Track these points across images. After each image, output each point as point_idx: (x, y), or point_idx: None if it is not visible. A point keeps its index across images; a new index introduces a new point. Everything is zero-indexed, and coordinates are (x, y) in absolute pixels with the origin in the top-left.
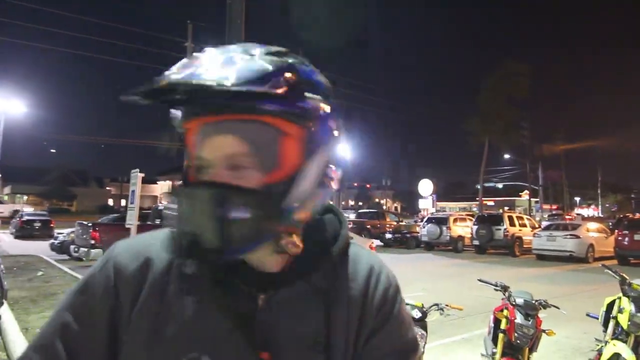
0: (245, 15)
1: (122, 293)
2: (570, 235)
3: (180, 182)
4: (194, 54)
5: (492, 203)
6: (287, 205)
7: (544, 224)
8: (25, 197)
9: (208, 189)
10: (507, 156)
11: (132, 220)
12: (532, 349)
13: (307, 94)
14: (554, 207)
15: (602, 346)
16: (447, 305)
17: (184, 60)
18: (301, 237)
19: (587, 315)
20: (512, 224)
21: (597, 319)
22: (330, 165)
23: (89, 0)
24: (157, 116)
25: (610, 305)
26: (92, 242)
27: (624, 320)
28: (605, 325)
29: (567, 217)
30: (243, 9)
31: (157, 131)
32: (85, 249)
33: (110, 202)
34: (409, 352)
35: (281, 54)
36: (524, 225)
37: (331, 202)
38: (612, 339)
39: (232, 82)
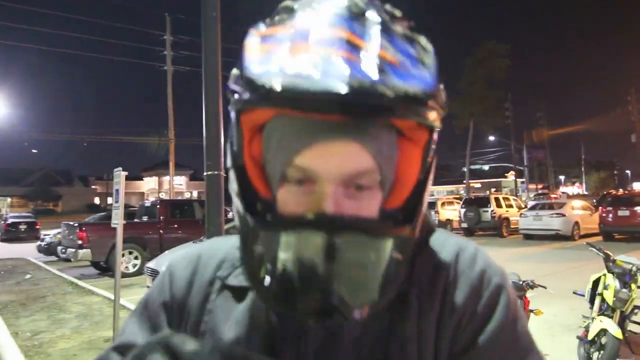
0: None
1: (175, 294)
2: (556, 214)
3: (238, 199)
4: (300, 9)
5: (479, 185)
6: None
7: (530, 203)
8: (8, 199)
9: (333, 234)
10: (491, 138)
11: (117, 219)
12: None
13: (441, 86)
14: (540, 186)
15: (589, 322)
16: None
17: (301, 26)
18: None
19: (574, 293)
20: (498, 205)
21: (584, 296)
22: None
23: None
24: (139, 112)
25: (596, 282)
26: (80, 242)
27: (609, 297)
28: (592, 302)
29: (552, 196)
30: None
31: (139, 127)
32: (73, 250)
33: (97, 200)
34: None
35: (411, 28)
36: (511, 206)
37: None
38: (598, 315)
39: (389, 86)
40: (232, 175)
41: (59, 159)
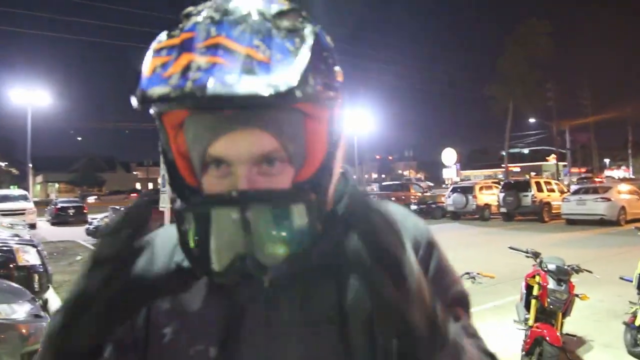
0: None
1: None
2: (601, 198)
3: (172, 187)
4: (194, 17)
5: (518, 169)
6: (330, 197)
7: (573, 187)
8: (56, 185)
9: (245, 206)
10: (532, 120)
11: (165, 203)
12: (566, 313)
13: (336, 68)
14: (583, 170)
15: (637, 308)
16: (478, 274)
17: (186, 36)
18: None
19: (621, 278)
20: (539, 189)
21: (631, 281)
22: None
23: None
24: None
25: None
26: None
27: None
28: (639, 287)
29: (596, 180)
30: None
31: None
32: None
33: (138, 185)
34: (464, 302)
35: (297, 14)
36: (552, 190)
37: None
38: None
39: (265, 91)
40: (164, 168)
41: (102, 146)
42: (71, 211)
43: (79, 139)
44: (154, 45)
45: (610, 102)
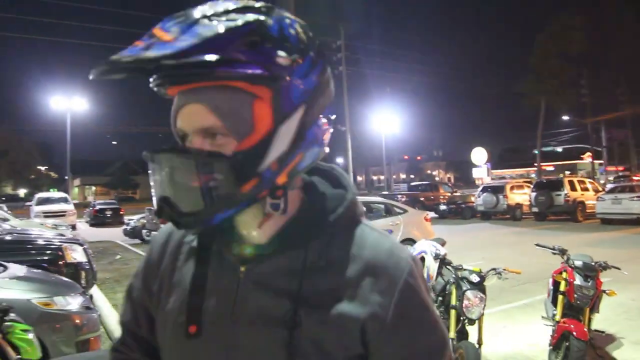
0: None
1: (152, 264)
2: (637, 197)
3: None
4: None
5: (551, 168)
6: (264, 168)
7: (609, 186)
8: (93, 188)
9: (178, 155)
10: (565, 117)
11: None
12: (593, 309)
13: (276, 52)
14: (620, 168)
15: None
16: (505, 270)
17: (148, 33)
18: (298, 203)
19: None
20: (573, 188)
21: None
22: (320, 122)
23: None
24: None
25: None
26: (162, 226)
27: None
28: None
29: (634, 178)
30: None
31: None
32: (156, 233)
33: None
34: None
35: (244, 10)
36: (586, 189)
37: (341, 170)
38: None
39: (171, 54)
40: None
41: (134, 149)
42: (108, 213)
43: (114, 143)
44: None
45: None
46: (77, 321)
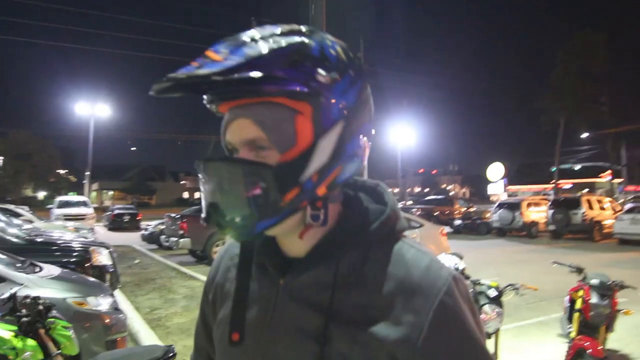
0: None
1: (210, 278)
2: None
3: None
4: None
5: (569, 185)
6: (304, 179)
7: (627, 206)
8: (110, 192)
9: (227, 163)
10: (584, 135)
11: None
12: (609, 328)
13: (316, 70)
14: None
15: None
16: (522, 285)
17: (202, 55)
18: (337, 216)
19: None
20: (590, 207)
21: None
22: (360, 137)
23: (163, 6)
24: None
25: None
26: (181, 232)
27: None
28: None
29: None
30: (324, 21)
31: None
32: (175, 239)
33: (186, 194)
34: None
35: (288, 33)
36: (604, 209)
37: (385, 187)
38: None
39: (219, 71)
40: None
41: (152, 155)
42: (126, 218)
43: (133, 148)
44: None
45: None
46: (107, 321)
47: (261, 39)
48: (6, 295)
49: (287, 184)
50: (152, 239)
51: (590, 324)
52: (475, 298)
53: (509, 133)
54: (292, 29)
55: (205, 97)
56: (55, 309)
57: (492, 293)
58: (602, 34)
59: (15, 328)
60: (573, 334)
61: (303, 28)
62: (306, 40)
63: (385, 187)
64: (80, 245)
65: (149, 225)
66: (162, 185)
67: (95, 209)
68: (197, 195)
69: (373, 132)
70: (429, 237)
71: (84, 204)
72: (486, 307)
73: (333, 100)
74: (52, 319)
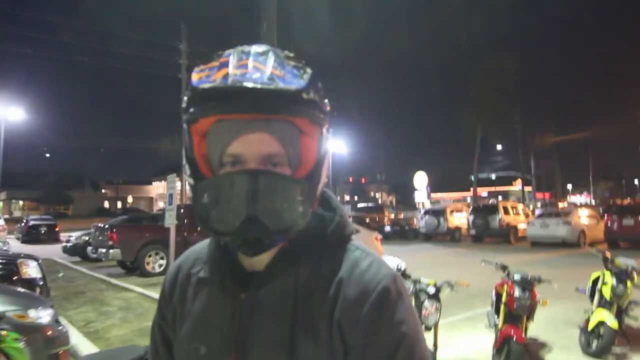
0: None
1: (166, 296)
2: (563, 222)
3: (192, 180)
4: (226, 53)
5: (485, 194)
6: (317, 195)
7: (537, 212)
8: (20, 202)
9: (276, 177)
10: (499, 147)
11: (170, 220)
12: (529, 317)
13: (324, 100)
14: (547, 195)
15: (589, 315)
16: (456, 282)
17: (224, 60)
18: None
19: (576, 289)
20: (506, 213)
21: (585, 292)
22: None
23: (81, 5)
24: (151, 120)
25: (596, 281)
26: (111, 243)
27: (607, 292)
28: (592, 296)
29: (559, 205)
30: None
31: (149, 134)
32: (104, 250)
33: (106, 204)
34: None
35: (301, 61)
36: (518, 214)
37: (330, 192)
38: (597, 307)
39: (296, 89)
40: (186, 165)
41: (69, 163)
42: (43, 229)
43: (47, 155)
44: (196, 69)
45: (573, 130)
46: (49, 334)
47: (288, 59)
48: None
49: (313, 196)
50: (75, 250)
51: (514, 314)
52: (416, 295)
53: (431, 145)
54: (297, 56)
55: (211, 103)
56: None
57: (431, 290)
58: (513, 58)
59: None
60: (500, 324)
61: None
62: (310, 69)
63: (330, 193)
64: (7, 258)
65: (70, 237)
66: (79, 194)
67: (6, 220)
68: (119, 204)
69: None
70: (365, 242)
71: None
72: (426, 303)
73: (329, 127)
74: (2, 331)
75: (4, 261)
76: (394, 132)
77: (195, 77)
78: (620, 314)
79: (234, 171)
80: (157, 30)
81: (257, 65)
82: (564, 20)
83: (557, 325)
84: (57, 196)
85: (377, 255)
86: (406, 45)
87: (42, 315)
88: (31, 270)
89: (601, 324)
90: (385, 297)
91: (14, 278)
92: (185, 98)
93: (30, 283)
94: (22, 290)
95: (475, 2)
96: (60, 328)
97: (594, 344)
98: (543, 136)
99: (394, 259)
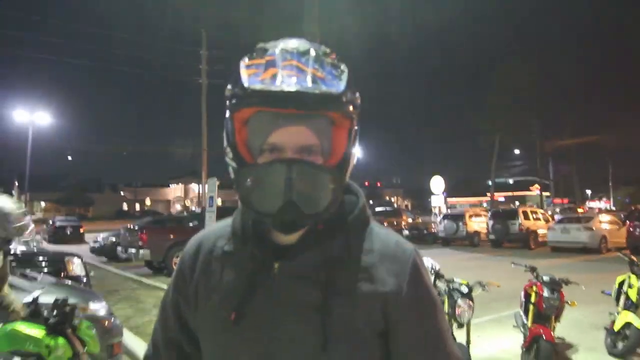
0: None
1: (185, 272)
2: (584, 227)
3: (235, 163)
4: (270, 50)
5: (502, 198)
6: (345, 182)
7: (557, 217)
8: (42, 204)
9: (311, 166)
10: (517, 151)
11: (210, 221)
12: (558, 317)
13: (357, 94)
14: (565, 200)
15: (615, 317)
16: (487, 283)
17: (269, 59)
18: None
19: (602, 292)
20: (526, 218)
21: (610, 295)
22: None
23: (100, 13)
24: (168, 125)
25: (621, 284)
26: (140, 243)
27: (633, 294)
28: (617, 299)
29: (579, 210)
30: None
31: (166, 139)
32: (134, 250)
33: (125, 207)
34: (435, 341)
35: (336, 57)
36: (538, 219)
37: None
38: (623, 310)
39: (318, 89)
40: (228, 149)
41: (90, 166)
42: (69, 230)
43: (69, 158)
44: (245, 62)
45: (592, 134)
46: (106, 325)
47: (325, 56)
48: (29, 299)
49: (342, 185)
50: (102, 251)
51: (543, 314)
52: (449, 294)
53: (448, 149)
54: (333, 51)
55: (257, 99)
56: None
57: (464, 289)
58: (531, 64)
59: (43, 328)
60: (529, 324)
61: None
62: (345, 66)
63: (357, 185)
64: (55, 255)
65: (97, 238)
66: (99, 196)
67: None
68: (137, 207)
69: None
70: None
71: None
72: (459, 301)
73: (358, 119)
74: (77, 319)
75: (52, 258)
76: (410, 136)
77: (244, 73)
78: None
79: (274, 160)
80: (177, 35)
81: (300, 67)
82: (583, 20)
83: (582, 328)
84: (77, 198)
85: (397, 234)
86: (423, 50)
87: (99, 308)
88: (76, 267)
89: (627, 325)
90: (417, 271)
91: (62, 274)
92: (233, 91)
93: (75, 279)
94: (78, 284)
95: (496, 4)
96: (114, 320)
97: (620, 345)
98: (561, 139)
99: (427, 259)
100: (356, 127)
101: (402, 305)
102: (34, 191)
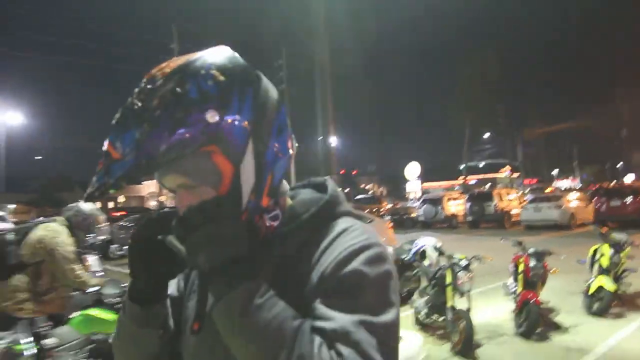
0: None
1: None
2: (555, 205)
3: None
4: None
5: (474, 181)
6: (245, 202)
7: (529, 197)
8: (9, 206)
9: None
10: (486, 135)
11: None
12: (543, 283)
13: (204, 115)
14: (534, 181)
15: (589, 282)
16: (482, 257)
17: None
18: (283, 213)
19: (578, 261)
20: (500, 199)
21: (585, 262)
22: (274, 136)
23: (71, 5)
24: None
25: (594, 253)
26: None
27: (604, 261)
28: (592, 267)
29: (547, 190)
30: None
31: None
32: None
33: (98, 204)
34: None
35: (160, 86)
36: (511, 200)
37: (332, 182)
38: (597, 275)
39: (156, 164)
40: None
41: (58, 166)
42: None
43: (37, 158)
44: None
45: (558, 118)
46: None
47: (141, 112)
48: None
49: (234, 210)
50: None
51: (530, 281)
52: (451, 268)
53: (421, 135)
54: (163, 74)
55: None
56: None
57: (463, 263)
58: (496, 51)
59: (113, 312)
60: (519, 290)
61: (169, 69)
62: (179, 89)
63: (331, 181)
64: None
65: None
66: (70, 196)
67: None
68: (110, 205)
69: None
70: (379, 230)
71: (1, 218)
72: (460, 274)
73: (232, 126)
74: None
75: None
76: (385, 123)
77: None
78: (616, 281)
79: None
80: (147, 29)
81: (118, 145)
82: (547, 11)
83: (561, 294)
84: (49, 198)
85: (367, 227)
86: (395, 39)
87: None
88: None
89: (600, 288)
90: (353, 255)
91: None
92: None
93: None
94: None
95: None
96: None
97: (595, 306)
98: (529, 126)
99: (430, 238)
100: (234, 143)
101: (324, 280)
102: (5, 192)
